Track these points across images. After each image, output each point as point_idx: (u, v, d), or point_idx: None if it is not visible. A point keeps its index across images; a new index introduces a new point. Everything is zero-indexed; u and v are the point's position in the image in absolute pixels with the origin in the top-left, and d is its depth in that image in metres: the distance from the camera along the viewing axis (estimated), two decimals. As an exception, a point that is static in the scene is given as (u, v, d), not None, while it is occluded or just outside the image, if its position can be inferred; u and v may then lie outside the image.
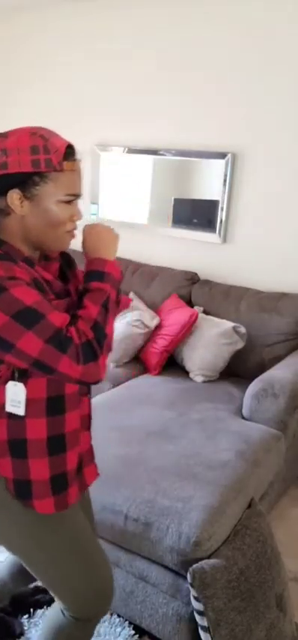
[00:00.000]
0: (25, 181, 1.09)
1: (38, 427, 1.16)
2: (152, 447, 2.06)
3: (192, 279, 3.26)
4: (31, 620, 1.83)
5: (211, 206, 3.26)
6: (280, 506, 2.53)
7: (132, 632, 1.81)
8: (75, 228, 1.19)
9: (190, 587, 1.54)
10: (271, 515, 2.38)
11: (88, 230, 1.23)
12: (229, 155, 3.12)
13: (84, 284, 1.18)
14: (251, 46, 2.99)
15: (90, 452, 1.33)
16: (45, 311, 1.05)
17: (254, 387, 2.42)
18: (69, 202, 1.14)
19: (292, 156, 2.97)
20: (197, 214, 3.33)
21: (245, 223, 3.19)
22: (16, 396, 1.14)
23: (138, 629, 1.81)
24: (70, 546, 1.27)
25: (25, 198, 1.10)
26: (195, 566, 1.55)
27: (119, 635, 1.80)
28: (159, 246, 3.52)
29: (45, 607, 1.90)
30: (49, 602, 1.90)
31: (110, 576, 1.36)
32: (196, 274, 3.30)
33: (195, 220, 3.34)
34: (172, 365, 2.98)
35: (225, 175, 3.15)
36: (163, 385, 2.72)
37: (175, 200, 3.41)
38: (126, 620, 1.84)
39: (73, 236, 1.19)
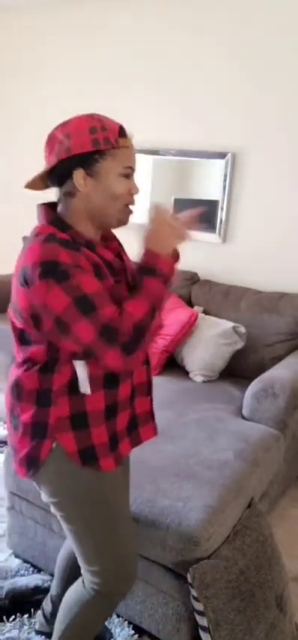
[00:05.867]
0: (86, 160, 1.22)
1: (97, 400, 1.28)
2: (152, 446, 2.05)
3: (192, 279, 3.26)
4: (32, 620, 1.82)
5: (211, 206, 3.25)
6: (280, 506, 2.53)
7: (132, 632, 1.81)
8: (133, 203, 1.30)
9: (190, 587, 1.54)
10: (271, 515, 2.38)
11: (154, 216, 1.28)
12: (229, 155, 3.12)
13: (137, 274, 1.25)
14: (251, 46, 2.99)
15: (147, 414, 1.44)
16: (100, 302, 1.16)
17: (254, 387, 2.41)
18: (126, 176, 1.26)
19: (292, 156, 2.97)
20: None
21: (245, 223, 3.18)
22: (83, 375, 1.25)
23: (138, 629, 1.81)
24: (112, 509, 1.36)
25: (87, 176, 1.23)
26: (195, 566, 1.55)
27: (119, 635, 1.79)
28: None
29: (45, 607, 1.89)
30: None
31: (135, 556, 1.44)
32: (196, 274, 3.30)
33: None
34: (172, 365, 2.98)
35: (225, 175, 3.16)
36: (163, 385, 2.72)
37: (175, 200, 3.41)
38: (125, 620, 1.84)
39: (131, 211, 1.31)
